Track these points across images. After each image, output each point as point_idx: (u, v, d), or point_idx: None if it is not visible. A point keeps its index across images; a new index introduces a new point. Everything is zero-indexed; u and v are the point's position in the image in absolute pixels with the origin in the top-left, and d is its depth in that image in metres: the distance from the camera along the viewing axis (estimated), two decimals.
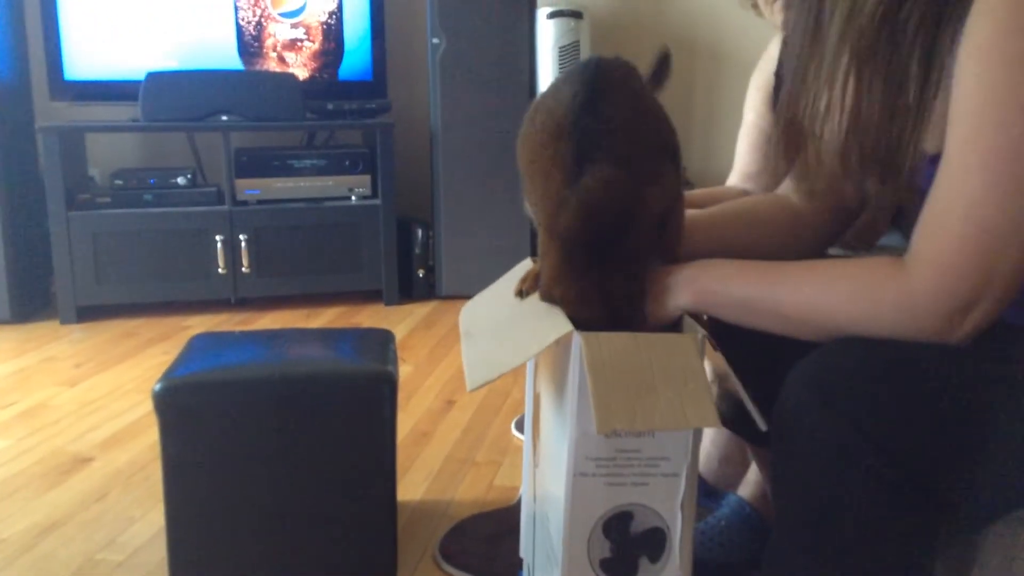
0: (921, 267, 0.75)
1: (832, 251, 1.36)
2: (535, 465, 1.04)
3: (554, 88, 0.90)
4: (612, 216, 0.82)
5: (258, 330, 1.51)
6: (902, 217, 1.27)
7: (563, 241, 0.83)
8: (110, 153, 3.20)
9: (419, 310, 2.98)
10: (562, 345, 0.82)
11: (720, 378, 1.01)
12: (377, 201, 2.99)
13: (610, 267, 0.82)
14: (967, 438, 0.74)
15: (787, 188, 1.07)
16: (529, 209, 0.90)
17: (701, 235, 1.00)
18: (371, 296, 3.06)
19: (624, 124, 0.84)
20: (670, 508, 0.81)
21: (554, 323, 0.81)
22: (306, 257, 2.95)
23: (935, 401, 0.74)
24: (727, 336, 0.89)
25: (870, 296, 0.78)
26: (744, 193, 1.52)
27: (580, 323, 0.80)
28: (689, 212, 1.00)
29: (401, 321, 2.84)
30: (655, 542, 0.82)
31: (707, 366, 0.80)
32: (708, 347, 0.82)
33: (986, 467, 0.75)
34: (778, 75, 1.53)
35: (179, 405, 1.25)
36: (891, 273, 0.77)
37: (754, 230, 1.05)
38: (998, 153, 0.72)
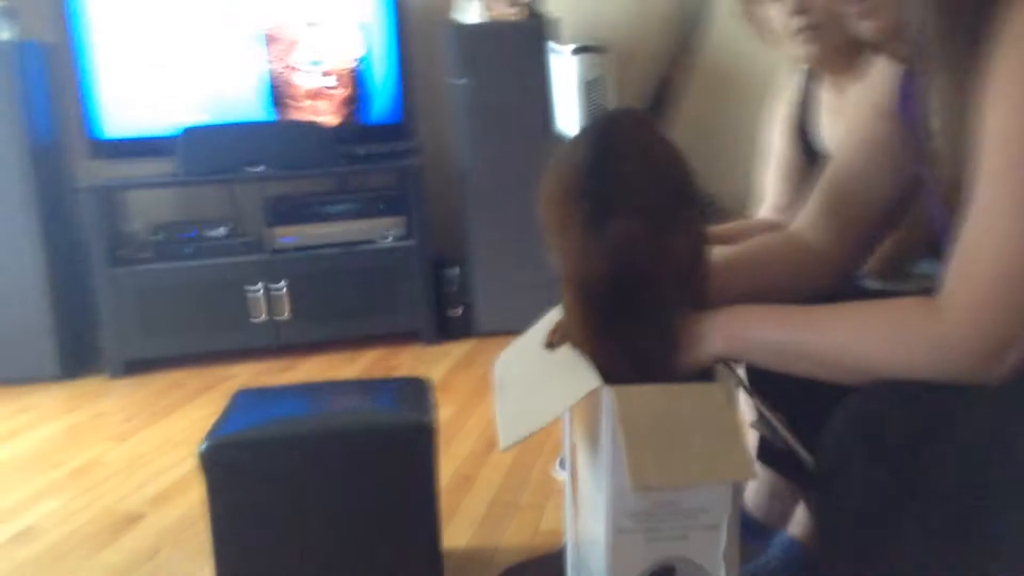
0: (954, 309, 0.74)
1: (868, 283, 1.35)
2: (575, 516, 1.04)
3: (566, 149, 0.91)
4: (636, 264, 0.82)
5: (298, 384, 1.54)
6: (937, 242, 1.26)
7: (587, 293, 0.83)
8: (147, 208, 3.26)
9: (457, 349, 2.99)
10: (594, 398, 0.82)
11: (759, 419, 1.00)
12: (411, 242, 3.01)
13: (637, 322, 0.82)
14: (1009, 481, 0.73)
15: (803, 224, 1.06)
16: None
17: (720, 280, 1.00)
18: (409, 337, 3.08)
19: (634, 179, 0.85)
20: (713, 560, 0.80)
21: (585, 377, 0.81)
22: (343, 301, 2.98)
23: (976, 443, 0.73)
24: (763, 378, 0.88)
25: (904, 339, 0.77)
26: (774, 226, 1.51)
27: (611, 380, 0.81)
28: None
29: (439, 361, 2.85)
30: None
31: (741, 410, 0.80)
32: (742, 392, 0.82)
33: None
34: (801, 107, 1.53)
35: (224, 463, 1.27)
36: (924, 315, 0.76)
37: (772, 270, 1.05)
38: (1015, 193, 0.72)
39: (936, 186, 0.80)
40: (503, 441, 0.83)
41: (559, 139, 2.91)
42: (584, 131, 0.89)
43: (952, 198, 0.76)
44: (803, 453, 0.81)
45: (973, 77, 0.74)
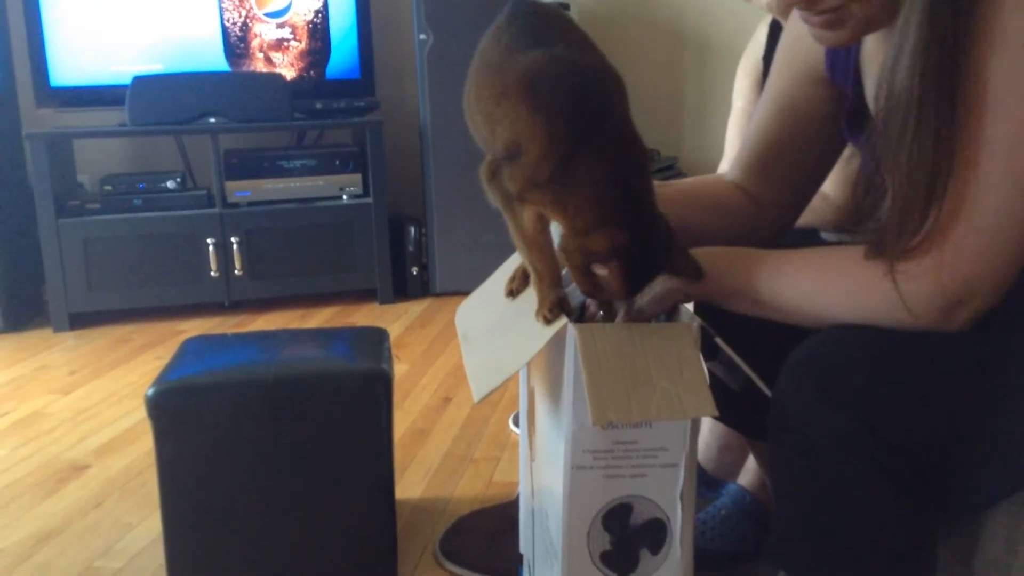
0: (915, 261, 0.74)
1: (826, 236, 1.36)
2: (531, 460, 1.03)
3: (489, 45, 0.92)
4: (584, 72, 0.80)
5: (251, 332, 1.51)
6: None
7: (546, 113, 0.79)
8: (99, 159, 3.18)
9: (414, 308, 2.97)
10: (556, 338, 0.81)
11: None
12: (369, 200, 2.97)
13: (604, 136, 0.79)
14: (966, 423, 0.74)
15: (737, 175, 1.07)
16: (485, 140, 0.88)
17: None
18: (365, 295, 3.05)
19: (553, 32, 0.84)
20: (670, 499, 0.80)
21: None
22: (299, 258, 2.93)
23: (933, 387, 0.74)
24: (725, 319, 0.88)
25: (866, 291, 0.77)
26: None
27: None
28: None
29: (396, 320, 2.83)
30: (655, 533, 0.81)
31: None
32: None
33: (986, 451, 0.74)
34: (766, 59, 1.52)
35: (172, 409, 1.24)
36: (887, 268, 0.76)
37: (713, 212, 1.05)
38: (991, 148, 0.72)
39: (873, 148, 0.79)
40: (477, 392, 0.82)
41: None
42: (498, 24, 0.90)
43: (892, 159, 0.76)
44: (763, 386, 0.80)
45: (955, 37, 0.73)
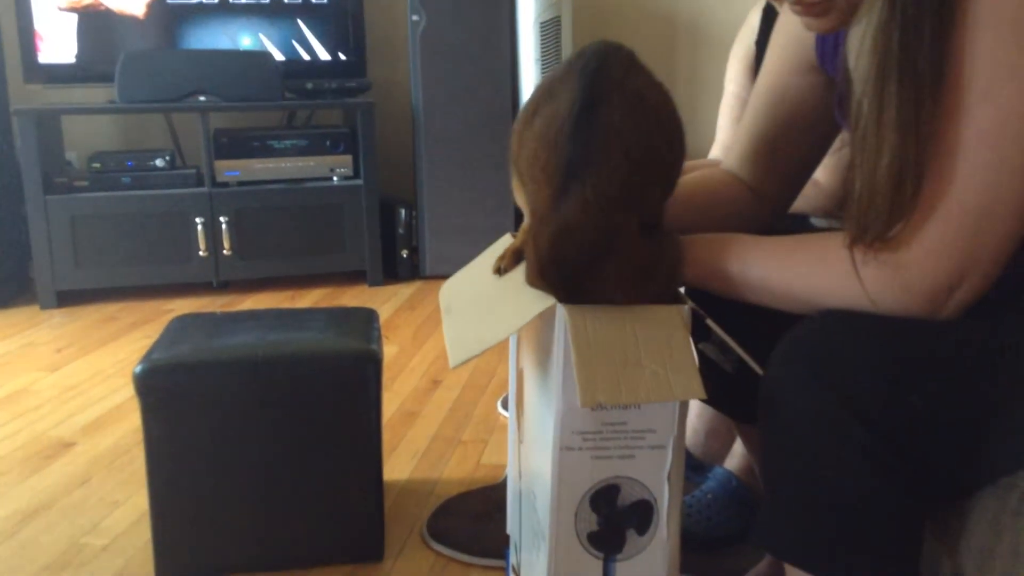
0: (907, 250, 0.74)
1: (817, 222, 1.36)
2: (519, 442, 1.03)
3: (552, 87, 0.84)
4: (581, 248, 0.78)
5: (240, 311, 1.50)
6: None
7: (539, 260, 0.80)
8: (87, 136, 3.16)
9: (403, 290, 2.97)
10: (545, 319, 0.81)
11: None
12: (359, 181, 2.96)
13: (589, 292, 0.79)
14: (953, 408, 0.74)
15: (733, 163, 1.08)
16: (518, 200, 0.88)
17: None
18: (355, 277, 3.04)
19: (620, 135, 0.79)
20: (657, 480, 0.80)
21: (537, 296, 0.80)
22: (288, 239, 2.92)
23: (922, 373, 0.74)
24: (717, 302, 0.88)
25: (857, 275, 0.77)
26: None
27: None
28: None
29: (386, 302, 2.83)
30: (642, 514, 0.81)
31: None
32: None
33: (972, 436, 0.75)
34: (759, 44, 1.52)
35: (160, 387, 1.24)
36: (878, 255, 0.76)
37: (709, 208, 1.06)
38: (977, 131, 0.72)
39: (856, 148, 0.79)
40: (453, 358, 0.81)
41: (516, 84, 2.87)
42: (575, 68, 0.81)
43: (869, 178, 0.76)
44: (755, 366, 0.80)
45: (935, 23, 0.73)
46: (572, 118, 0.79)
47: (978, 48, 0.71)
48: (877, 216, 0.75)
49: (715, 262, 0.86)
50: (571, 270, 0.78)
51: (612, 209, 0.78)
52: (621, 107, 0.80)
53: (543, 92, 0.85)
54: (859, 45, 0.76)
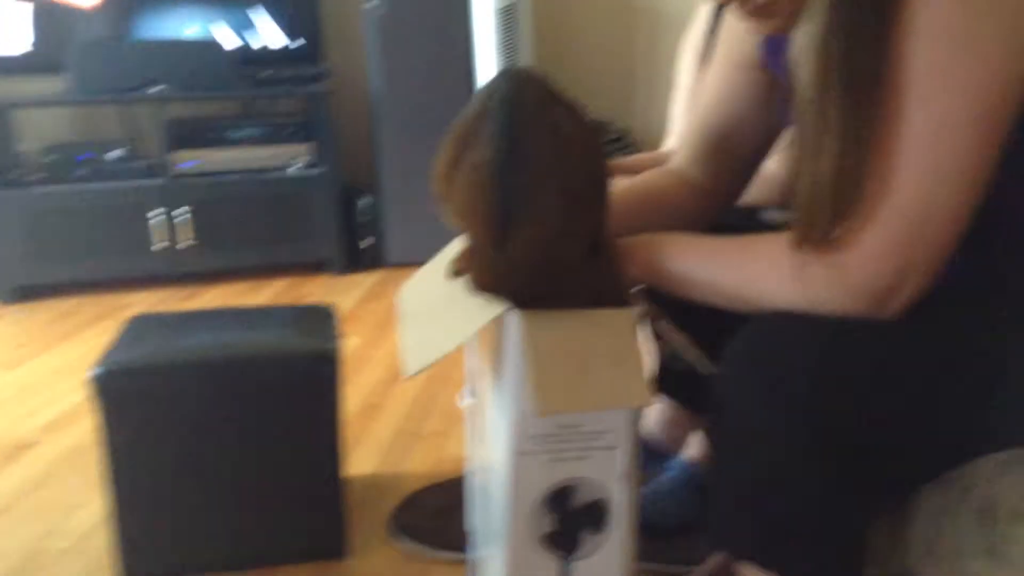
0: (849, 252, 0.76)
1: (769, 214, 1.37)
2: (479, 439, 1.04)
3: (468, 133, 0.81)
4: (529, 286, 0.80)
5: (195, 310, 1.49)
6: None
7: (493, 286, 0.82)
8: (40, 128, 3.10)
9: (366, 280, 2.96)
10: (500, 322, 0.81)
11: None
12: (319, 170, 2.94)
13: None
14: (897, 405, 0.76)
15: (681, 162, 1.09)
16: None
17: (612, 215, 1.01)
18: (317, 267, 3.03)
19: (549, 173, 0.78)
20: (611, 479, 0.82)
21: (491, 302, 0.81)
22: (249, 229, 2.90)
23: (868, 372, 0.76)
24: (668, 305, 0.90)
25: (801, 278, 0.78)
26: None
27: None
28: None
29: (348, 292, 2.82)
30: (597, 514, 0.82)
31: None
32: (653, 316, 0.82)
33: (916, 432, 0.77)
34: (709, 39, 1.53)
35: (116, 391, 1.23)
36: (822, 256, 0.77)
37: (658, 211, 1.07)
38: (913, 135, 0.73)
39: (797, 150, 0.81)
40: (408, 368, 0.82)
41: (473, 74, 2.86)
42: (488, 103, 0.79)
43: (810, 181, 0.77)
44: (707, 364, 0.82)
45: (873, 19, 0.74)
46: (496, 165, 0.77)
47: (916, 56, 0.73)
48: (819, 218, 0.76)
49: (659, 263, 0.87)
50: (520, 303, 0.79)
51: (554, 247, 0.78)
52: (542, 144, 0.78)
53: (460, 138, 0.81)
54: (801, 50, 0.77)
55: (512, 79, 0.79)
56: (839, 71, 0.74)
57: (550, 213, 0.78)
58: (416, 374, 0.79)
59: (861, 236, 0.75)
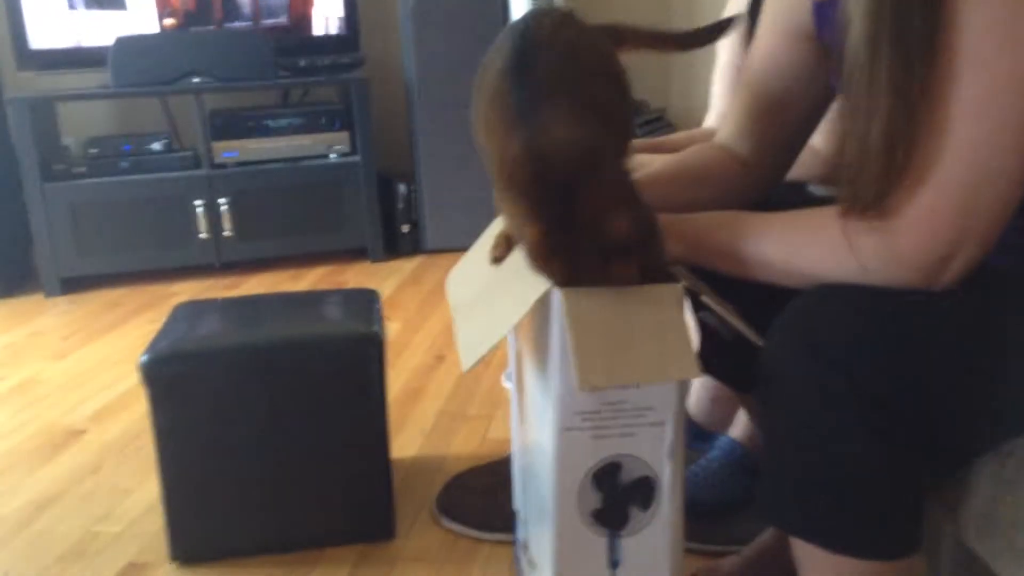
0: (900, 219, 0.74)
1: (815, 189, 1.36)
2: (521, 421, 1.04)
3: (489, 60, 0.87)
4: (566, 159, 0.77)
5: (241, 296, 1.51)
6: None
7: (520, 194, 0.79)
8: (83, 122, 3.14)
9: (405, 266, 2.97)
10: (542, 302, 0.81)
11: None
12: (357, 158, 2.95)
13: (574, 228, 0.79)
14: (951, 377, 0.74)
15: (728, 136, 1.07)
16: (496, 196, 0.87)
17: (657, 189, 1.00)
18: (356, 254, 3.05)
19: (561, 81, 0.81)
20: (658, 457, 0.81)
21: (532, 283, 0.80)
22: (288, 218, 2.92)
23: (919, 343, 0.74)
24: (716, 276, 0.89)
25: (853, 249, 0.77)
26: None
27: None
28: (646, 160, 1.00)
29: (388, 278, 2.83)
30: (645, 491, 0.82)
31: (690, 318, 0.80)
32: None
33: (971, 404, 0.75)
34: (751, 11, 1.51)
35: (167, 376, 1.25)
36: (867, 228, 0.76)
37: (703, 185, 1.05)
38: (968, 101, 0.71)
39: (845, 128, 0.79)
40: (464, 363, 0.82)
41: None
42: (506, 30, 0.85)
43: (860, 143, 0.75)
44: (754, 338, 0.81)
45: None
46: (510, 69, 0.81)
47: (970, 18, 0.71)
48: (869, 182, 0.75)
49: (711, 240, 0.86)
50: (558, 180, 0.77)
51: (577, 150, 0.78)
52: (555, 58, 0.82)
53: (483, 67, 0.87)
54: (852, 9, 0.76)
55: (532, 11, 0.85)
56: (891, 29, 0.72)
57: (565, 114, 0.79)
58: (473, 367, 0.79)
59: (911, 205, 0.73)
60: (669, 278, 0.80)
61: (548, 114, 0.78)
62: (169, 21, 2.93)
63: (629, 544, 0.83)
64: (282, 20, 3.04)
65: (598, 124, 0.81)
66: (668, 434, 0.80)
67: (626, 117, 0.89)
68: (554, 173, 0.76)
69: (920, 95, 0.72)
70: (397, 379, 1.98)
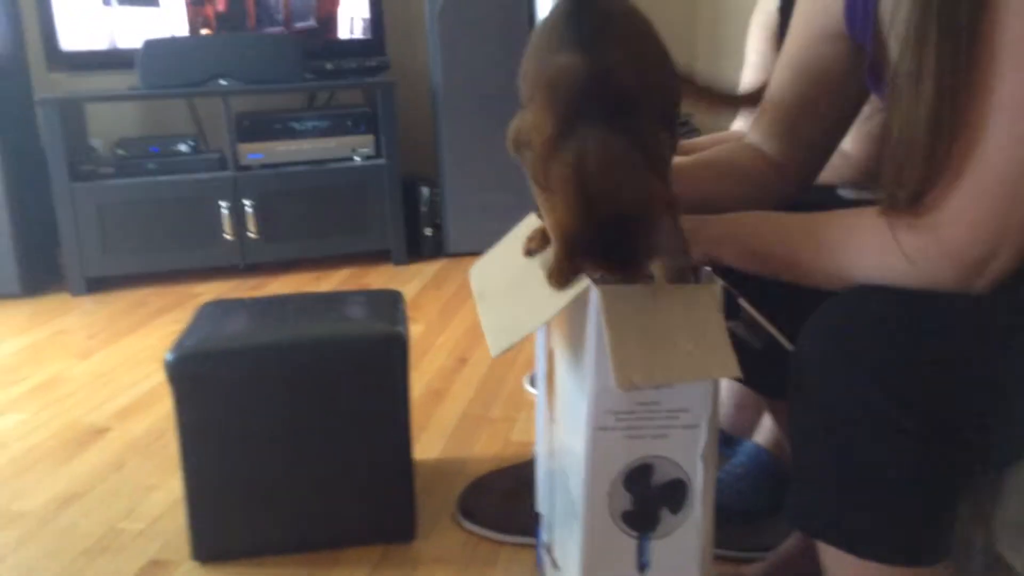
0: (937, 222, 0.73)
1: (845, 193, 1.34)
2: (551, 421, 1.03)
3: (553, 22, 0.87)
4: (620, 79, 0.79)
5: (267, 296, 1.51)
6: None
7: (556, 99, 0.80)
8: (111, 123, 3.17)
9: (428, 268, 2.97)
10: (577, 300, 0.80)
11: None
12: (381, 161, 2.96)
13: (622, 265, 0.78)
14: (985, 382, 0.73)
15: (757, 136, 1.06)
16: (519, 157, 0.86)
17: (685, 187, 0.99)
18: (380, 256, 3.05)
19: (618, 27, 0.82)
20: (690, 459, 0.80)
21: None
22: (313, 220, 2.93)
23: (952, 347, 0.73)
24: (745, 280, 0.88)
25: (887, 251, 0.76)
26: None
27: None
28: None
29: (411, 280, 2.83)
30: (676, 493, 0.81)
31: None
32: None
33: (1005, 410, 0.74)
34: (782, 12, 1.49)
35: (192, 374, 1.25)
36: (909, 224, 0.75)
37: (730, 179, 1.04)
38: (1006, 103, 0.70)
39: (891, 116, 0.78)
40: (494, 348, 0.81)
41: None
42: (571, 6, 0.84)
43: (908, 130, 0.74)
44: (785, 342, 0.80)
45: None
46: (570, 12, 0.83)
47: (1009, 13, 0.70)
48: (913, 171, 0.74)
49: (738, 239, 0.85)
50: (607, 95, 0.78)
51: (632, 160, 0.77)
52: (613, 9, 0.85)
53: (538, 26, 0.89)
54: (895, 3, 0.75)
55: None
56: (939, 15, 0.71)
57: (623, 47, 0.81)
58: (503, 353, 0.78)
59: (953, 197, 0.72)
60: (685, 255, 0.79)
61: (607, 43, 0.80)
62: (201, 25, 2.95)
63: (658, 547, 0.82)
64: (309, 23, 3.05)
65: (650, 72, 0.83)
66: (702, 437, 0.79)
67: (670, 93, 0.88)
68: (607, 87, 0.78)
69: (964, 84, 0.71)
70: (419, 381, 1.97)
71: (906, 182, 0.74)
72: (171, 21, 2.94)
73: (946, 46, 0.71)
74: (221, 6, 2.96)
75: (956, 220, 0.72)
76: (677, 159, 1.04)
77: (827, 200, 1.27)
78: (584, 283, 0.77)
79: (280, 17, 3.02)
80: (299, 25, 3.05)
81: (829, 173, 1.21)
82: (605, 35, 0.81)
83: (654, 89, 0.83)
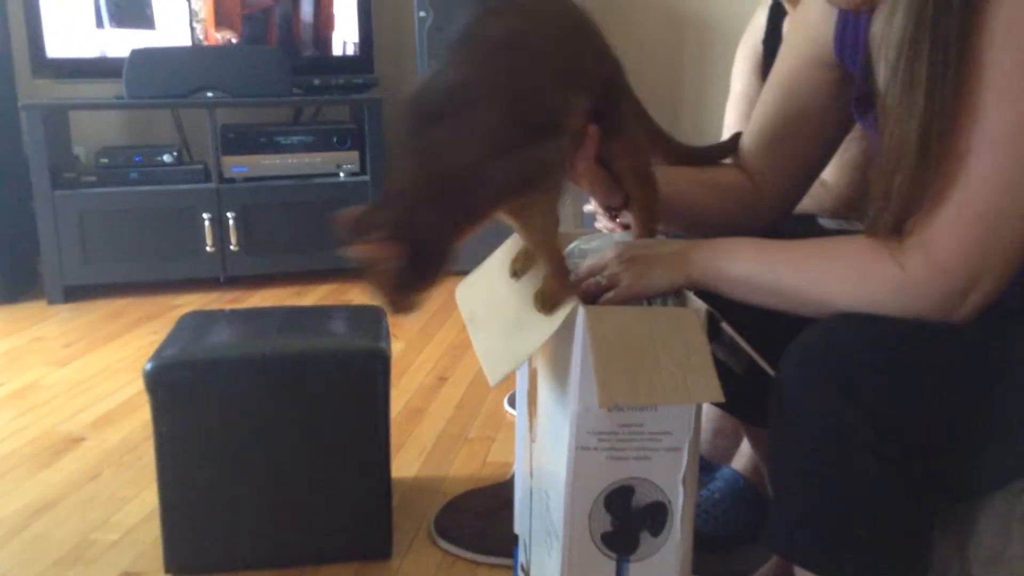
0: (918, 250, 0.75)
1: (824, 222, 1.36)
2: (531, 440, 1.03)
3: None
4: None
5: (248, 308, 1.50)
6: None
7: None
8: (95, 131, 3.16)
9: None
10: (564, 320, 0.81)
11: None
12: (366, 178, 2.96)
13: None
14: (965, 412, 0.74)
15: (742, 160, 1.08)
16: None
17: (666, 209, 1.00)
18: (361, 273, 3.04)
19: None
20: (672, 482, 0.81)
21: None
22: (295, 234, 2.92)
23: (933, 376, 0.74)
24: (727, 305, 0.89)
25: (869, 278, 0.77)
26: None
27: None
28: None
29: None
30: (657, 516, 0.81)
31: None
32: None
33: (983, 440, 0.75)
34: (766, 43, 1.52)
35: (170, 384, 1.24)
36: (890, 255, 0.76)
37: (713, 192, 1.06)
38: (992, 135, 0.72)
39: (882, 130, 0.80)
40: (492, 376, 0.82)
41: None
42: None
43: (897, 143, 0.76)
44: (767, 366, 0.81)
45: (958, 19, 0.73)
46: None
47: (997, 46, 0.72)
48: (901, 192, 0.75)
49: (720, 265, 0.86)
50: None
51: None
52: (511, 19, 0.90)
53: None
54: (887, 22, 0.76)
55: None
56: (931, 31, 0.73)
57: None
58: (502, 381, 0.80)
59: (936, 229, 0.74)
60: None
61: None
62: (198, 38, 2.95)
63: (637, 570, 0.83)
64: (297, 39, 3.05)
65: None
66: (683, 460, 0.80)
67: (597, 74, 0.91)
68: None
69: (953, 108, 0.73)
70: (399, 399, 1.97)
71: (892, 205, 0.75)
72: (169, 37, 2.94)
73: (937, 64, 0.73)
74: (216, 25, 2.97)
75: (938, 249, 0.74)
76: (667, 168, 1.05)
77: (808, 229, 1.29)
78: (572, 304, 0.78)
79: (267, 31, 3.03)
80: (288, 40, 3.05)
81: (809, 202, 1.23)
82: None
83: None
